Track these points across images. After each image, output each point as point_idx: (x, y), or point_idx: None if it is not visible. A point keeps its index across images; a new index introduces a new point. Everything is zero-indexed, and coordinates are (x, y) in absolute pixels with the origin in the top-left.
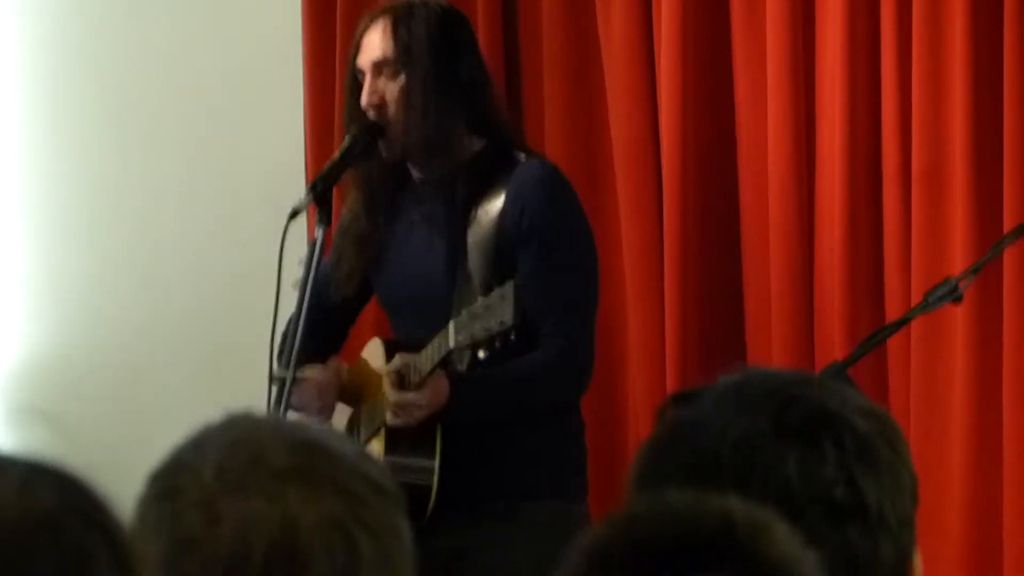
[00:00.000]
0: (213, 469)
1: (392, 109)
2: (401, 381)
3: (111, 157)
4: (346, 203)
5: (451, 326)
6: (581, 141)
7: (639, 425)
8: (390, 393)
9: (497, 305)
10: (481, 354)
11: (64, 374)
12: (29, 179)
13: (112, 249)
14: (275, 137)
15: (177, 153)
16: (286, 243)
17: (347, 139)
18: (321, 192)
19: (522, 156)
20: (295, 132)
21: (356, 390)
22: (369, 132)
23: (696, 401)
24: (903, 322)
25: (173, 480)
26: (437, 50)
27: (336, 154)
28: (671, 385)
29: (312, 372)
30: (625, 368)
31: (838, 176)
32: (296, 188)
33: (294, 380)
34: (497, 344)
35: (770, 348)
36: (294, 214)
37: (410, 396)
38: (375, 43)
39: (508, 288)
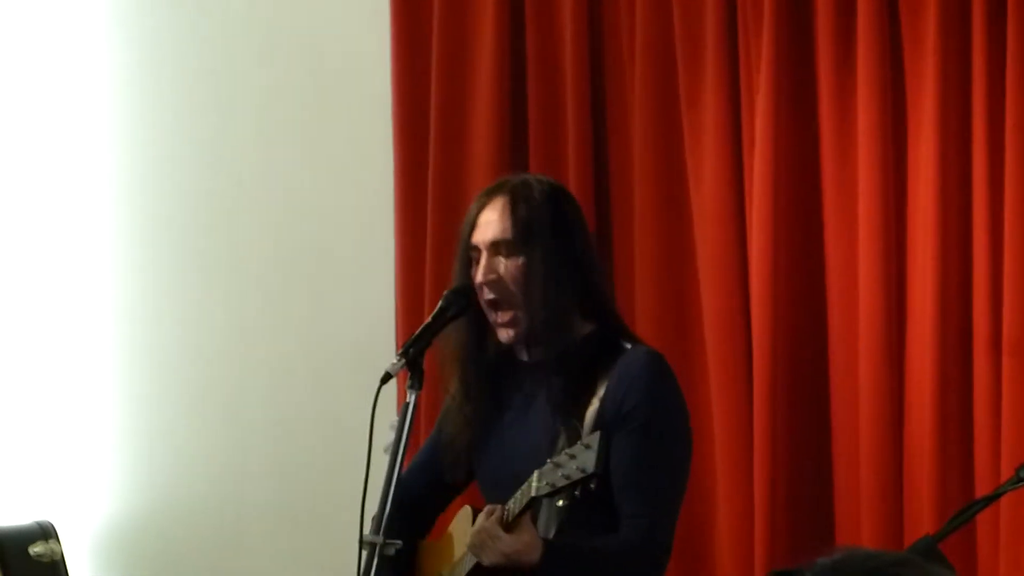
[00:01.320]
0: None
1: (511, 288)
2: (495, 515)
3: (203, 321)
4: (446, 388)
5: (535, 475)
6: (671, 310)
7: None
8: (482, 519)
9: (581, 453)
10: (560, 503)
11: (153, 536)
12: (122, 341)
13: (202, 412)
14: (366, 301)
15: (268, 317)
16: (377, 407)
17: (441, 302)
18: (413, 356)
19: (627, 344)
20: (386, 296)
21: (439, 560)
22: (462, 295)
23: None
24: (995, 497)
25: None
26: (555, 231)
27: (429, 317)
28: (759, 559)
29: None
30: (713, 540)
31: (929, 347)
32: (386, 352)
33: (384, 547)
34: (577, 492)
35: (859, 522)
36: (386, 378)
37: (497, 530)
38: (493, 222)
39: (594, 438)
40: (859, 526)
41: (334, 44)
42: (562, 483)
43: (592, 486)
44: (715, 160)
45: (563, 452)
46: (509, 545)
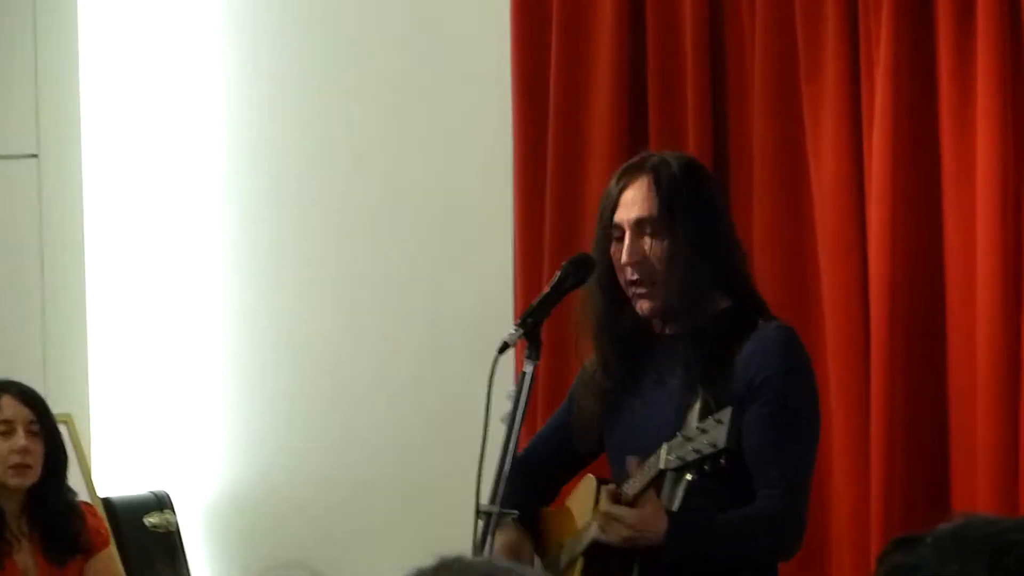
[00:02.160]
0: None
1: (656, 268)
2: (616, 497)
3: (317, 285)
4: (588, 356)
5: (663, 447)
6: (790, 282)
7: (843, 568)
8: (603, 504)
9: (712, 428)
10: (688, 477)
11: (266, 507)
12: (235, 315)
13: (316, 384)
14: (483, 271)
15: (384, 288)
16: (494, 378)
17: (559, 272)
18: (531, 326)
19: (761, 320)
20: (504, 266)
21: (559, 530)
22: (581, 265)
23: (916, 546)
24: None
25: None
26: (697, 208)
27: (547, 288)
28: (875, 533)
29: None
30: (828, 515)
31: None
32: (503, 322)
33: (500, 515)
34: (706, 467)
35: (975, 493)
36: (504, 348)
37: (620, 510)
38: (638, 200)
39: (725, 413)
40: (976, 497)
41: (454, 17)
42: (692, 457)
43: (722, 461)
44: (834, 135)
45: (694, 426)
46: (632, 517)
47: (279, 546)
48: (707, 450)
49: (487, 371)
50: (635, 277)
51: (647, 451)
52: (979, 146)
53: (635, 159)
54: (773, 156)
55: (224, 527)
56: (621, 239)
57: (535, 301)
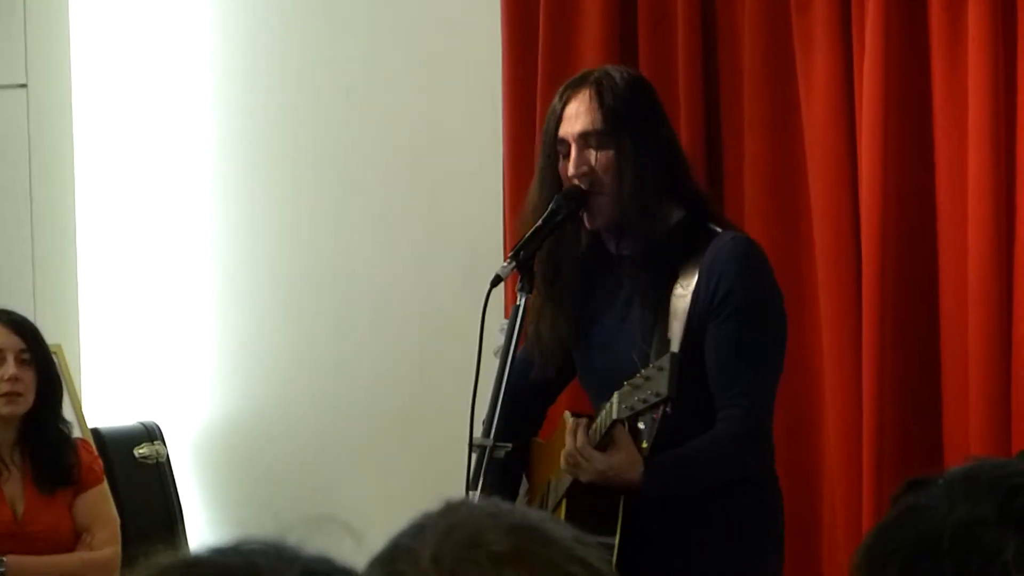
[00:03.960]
0: (431, 554)
1: (602, 179)
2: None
3: (305, 219)
4: (540, 282)
5: (615, 397)
6: (780, 213)
7: (833, 504)
8: (569, 442)
9: (655, 376)
10: (641, 425)
11: (256, 438)
12: (226, 247)
13: (307, 316)
14: (474, 204)
15: (374, 218)
16: (487, 310)
17: (551, 206)
18: (524, 259)
19: (718, 228)
20: (494, 199)
21: (549, 464)
22: (573, 198)
23: (928, 487)
24: None
25: (393, 565)
26: (641, 119)
27: (539, 221)
28: (867, 462)
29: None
30: (820, 445)
31: None
32: (495, 255)
33: (494, 449)
34: (654, 416)
35: (967, 422)
36: (496, 281)
37: (588, 452)
38: (581, 113)
39: (666, 359)
40: (967, 427)
41: None
42: (640, 407)
43: (668, 409)
44: (825, 67)
45: (639, 374)
46: (603, 463)
47: (269, 477)
48: (652, 399)
49: (479, 303)
50: (583, 188)
51: (615, 376)
52: (970, 76)
53: (578, 75)
54: (763, 89)
55: (214, 458)
56: (568, 155)
57: (527, 234)
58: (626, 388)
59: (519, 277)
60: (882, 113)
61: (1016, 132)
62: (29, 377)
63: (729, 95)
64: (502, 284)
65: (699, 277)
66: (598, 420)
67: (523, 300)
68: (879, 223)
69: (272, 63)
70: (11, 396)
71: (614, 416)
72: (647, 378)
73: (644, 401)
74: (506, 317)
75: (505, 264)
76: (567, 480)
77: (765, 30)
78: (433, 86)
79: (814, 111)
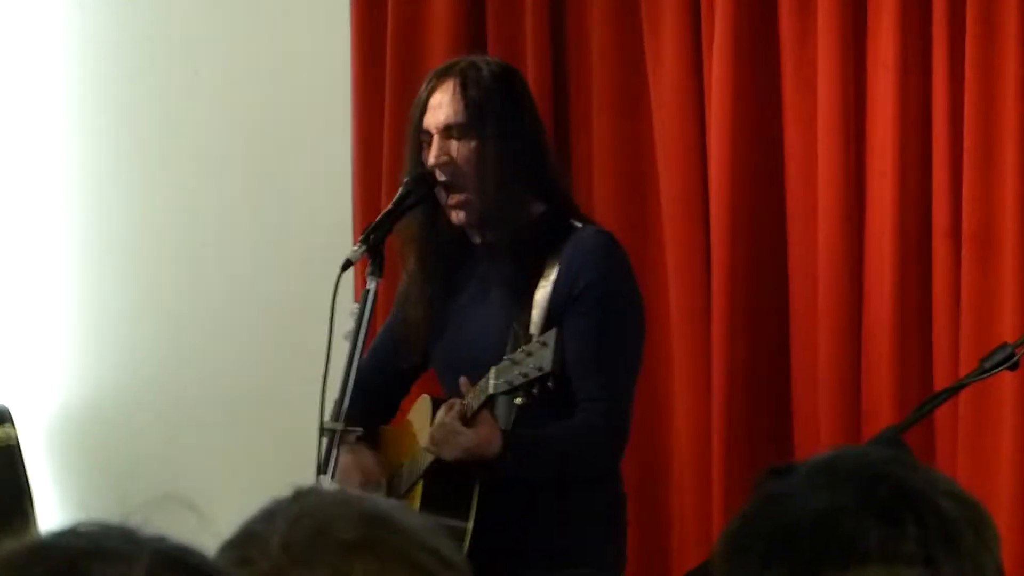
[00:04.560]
0: (281, 541)
1: (464, 171)
2: (461, 414)
3: (157, 201)
4: (405, 270)
5: (492, 372)
6: (629, 199)
7: (683, 495)
8: (442, 414)
9: (538, 351)
10: (518, 400)
11: (108, 422)
12: (75, 228)
13: (158, 298)
14: (323, 188)
15: (224, 201)
16: (337, 295)
17: (401, 189)
18: (374, 243)
19: (578, 223)
20: (343, 183)
21: (399, 449)
22: (423, 182)
23: (789, 474)
24: (959, 387)
25: (243, 551)
26: (505, 112)
27: (390, 204)
28: (716, 453)
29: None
30: (669, 436)
31: (887, 237)
32: (344, 239)
33: (343, 433)
34: (535, 391)
35: (817, 412)
36: (347, 265)
37: (459, 426)
38: (444, 104)
39: (551, 335)
40: (816, 418)
41: None
42: (519, 381)
43: (550, 384)
44: (674, 51)
45: (520, 349)
46: (470, 439)
47: (122, 460)
48: (534, 374)
49: (329, 288)
50: (443, 179)
51: (473, 366)
52: (820, 57)
53: (445, 64)
54: (612, 76)
55: (66, 441)
56: (431, 143)
57: (377, 217)
58: (505, 363)
59: (369, 261)
60: (731, 98)
61: (865, 117)
62: None
63: (577, 79)
64: (352, 268)
65: (559, 270)
66: (468, 396)
67: (373, 284)
68: (728, 210)
69: (122, 39)
70: None
71: (490, 391)
72: (528, 353)
73: (524, 376)
74: (356, 301)
75: (355, 248)
76: (423, 463)
77: (614, 14)
78: (282, 65)
79: (663, 95)
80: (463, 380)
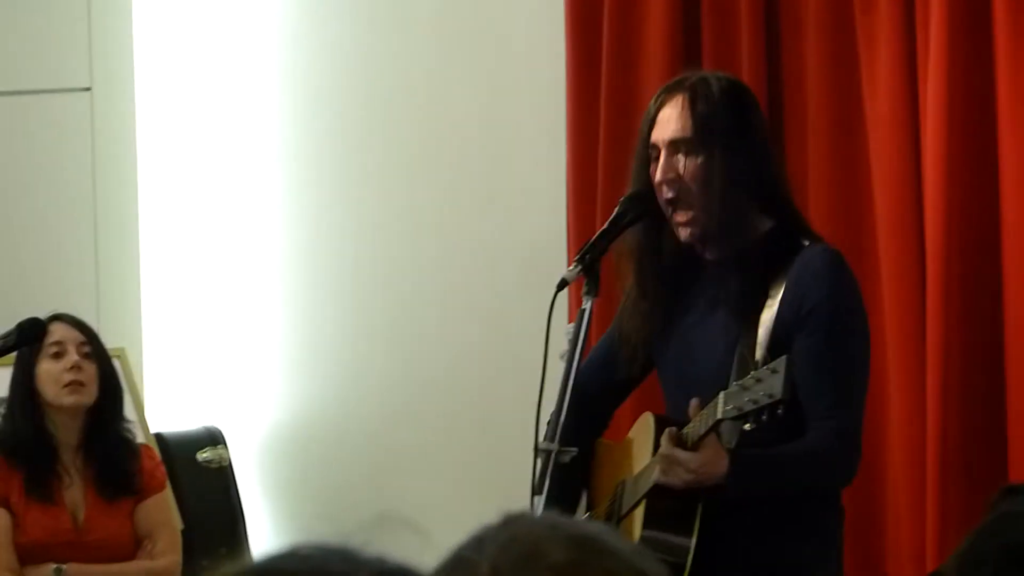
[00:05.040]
0: (490, 567)
1: (691, 187)
2: (678, 440)
3: (372, 221)
4: (629, 282)
5: (721, 397)
6: (844, 218)
7: (898, 510)
8: (664, 447)
9: (768, 378)
10: (747, 426)
11: (320, 444)
12: (290, 253)
13: (370, 321)
14: (538, 206)
15: (438, 225)
16: (553, 314)
17: (617, 208)
18: (590, 262)
19: (806, 241)
20: (558, 201)
21: (616, 464)
22: (640, 201)
23: (1020, 494)
24: None
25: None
26: (734, 128)
27: (606, 223)
28: (931, 469)
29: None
30: (884, 452)
31: None
32: (558, 257)
33: (560, 454)
34: (764, 417)
35: None
36: (563, 284)
37: (682, 454)
38: (672, 119)
39: (781, 362)
40: None
41: None
42: (749, 408)
43: (780, 411)
44: (889, 71)
45: (750, 375)
46: (694, 461)
47: (333, 481)
48: (764, 400)
49: (544, 306)
50: (670, 195)
51: (697, 384)
52: None
53: (677, 78)
54: (827, 92)
55: (277, 462)
56: (658, 158)
57: (593, 236)
58: (734, 388)
59: (585, 280)
60: (946, 116)
61: None
62: (91, 369)
63: (793, 99)
64: (567, 288)
65: (786, 288)
66: (694, 421)
67: (589, 304)
68: (944, 227)
69: (336, 64)
70: (75, 385)
71: (718, 415)
72: (758, 379)
73: (754, 402)
74: (571, 321)
75: (571, 268)
76: (647, 481)
77: (829, 31)
78: (496, 87)
79: (878, 114)
80: (694, 403)
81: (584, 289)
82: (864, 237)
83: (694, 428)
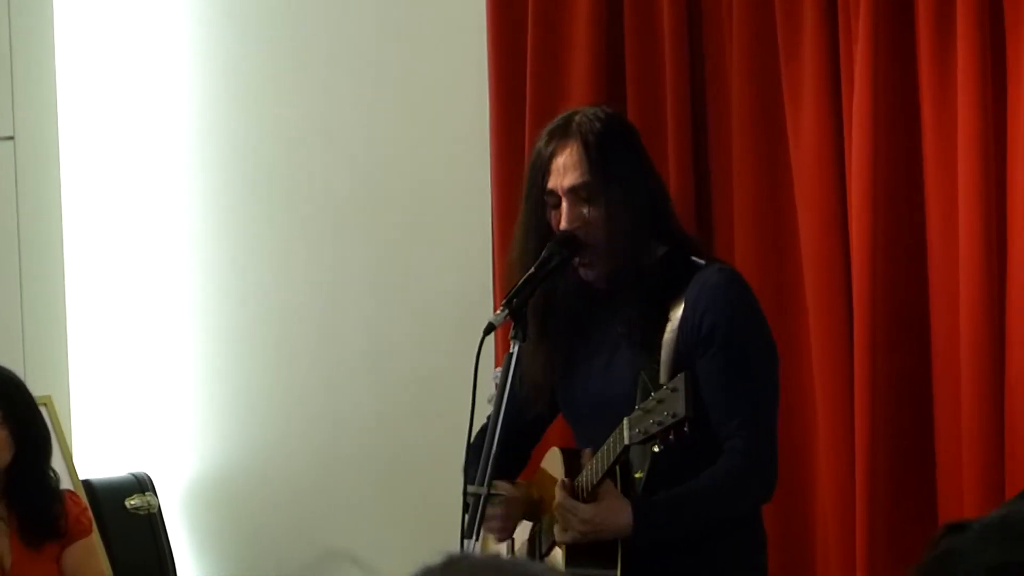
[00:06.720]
0: None
1: (598, 231)
2: (572, 489)
3: (294, 271)
4: (531, 322)
5: (625, 423)
6: (771, 261)
7: (827, 536)
8: (558, 496)
9: (669, 398)
10: (656, 448)
11: (248, 489)
12: (212, 299)
13: (297, 367)
14: (463, 251)
15: (364, 269)
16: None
17: (544, 253)
18: (517, 307)
19: (701, 260)
20: (483, 246)
21: (539, 502)
22: (566, 244)
23: (964, 531)
24: None
25: None
26: (627, 165)
27: (532, 268)
28: (860, 496)
29: (504, 489)
30: (814, 479)
31: None
32: (484, 303)
33: (489, 497)
34: (671, 437)
35: (960, 453)
36: (489, 329)
37: (574, 505)
38: (570, 167)
39: (680, 380)
40: (960, 457)
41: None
42: (655, 429)
43: (685, 429)
44: (814, 115)
45: (651, 397)
46: (588, 511)
47: (261, 527)
48: (668, 420)
49: (471, 351)
50: (577, 235)
51: (602, 414)
52: (960, 122)
53: (559, 121)
54: (753, 137)
55: (206, 508)
56: (558, 205)
57: (519, 281)
58: (637, 413)
59: (512, 325)
60: (871, 148)
61: (1006, 181)
62: (3, 435)
63: (717, 142)
64: (494, 332)
65: (684, 308)
66: (586, 470)
67: (516, 348)
68: (869, 275)
69: (261, 111)
70: None
71: (625, 441)
72: (660, 400)
73: (659, 423)
74: (498, 366)
75: (498, 312)
76: (552, 536)
77: (754, 79)
78: (422, 135)
79: (803, 160)
80: (586, 452)
81: (511, 333)
82: (790, 285)
83: (587, 476)
